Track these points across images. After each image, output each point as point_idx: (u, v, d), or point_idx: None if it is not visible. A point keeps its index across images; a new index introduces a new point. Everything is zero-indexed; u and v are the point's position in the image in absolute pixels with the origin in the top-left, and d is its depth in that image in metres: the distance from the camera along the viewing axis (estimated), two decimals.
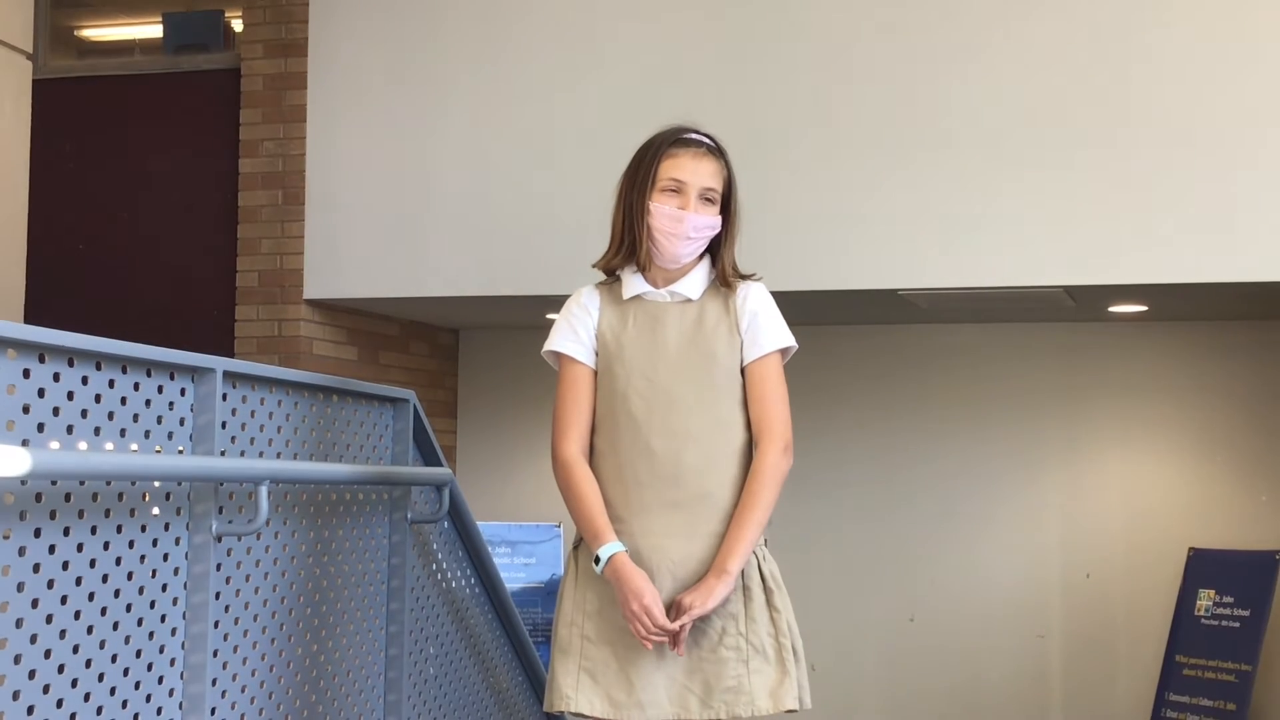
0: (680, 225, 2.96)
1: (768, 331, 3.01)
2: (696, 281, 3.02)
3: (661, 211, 2.96)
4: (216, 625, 3.10)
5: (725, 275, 3.02)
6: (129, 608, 2.85)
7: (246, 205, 6.63)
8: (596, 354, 3.02)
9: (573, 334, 3.03)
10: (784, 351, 3.04)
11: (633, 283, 3.03)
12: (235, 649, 3.19)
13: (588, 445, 3.00)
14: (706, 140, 3.03)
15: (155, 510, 2.94)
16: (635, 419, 2.94)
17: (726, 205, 3.03)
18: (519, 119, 6.27)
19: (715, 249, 3.05)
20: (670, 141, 3.00)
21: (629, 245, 3.00)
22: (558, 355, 3.05)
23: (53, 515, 2.64)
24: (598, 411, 3.00)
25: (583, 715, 2.94)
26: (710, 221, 3.00)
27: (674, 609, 2.86)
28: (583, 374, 3.02)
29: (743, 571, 2.92)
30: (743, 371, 2.99)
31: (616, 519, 2.93)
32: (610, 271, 3.08)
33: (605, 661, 2.91)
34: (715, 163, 3.01)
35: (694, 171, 2.97)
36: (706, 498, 2.93)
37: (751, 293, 3.03)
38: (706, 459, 2.94)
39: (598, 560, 2.89)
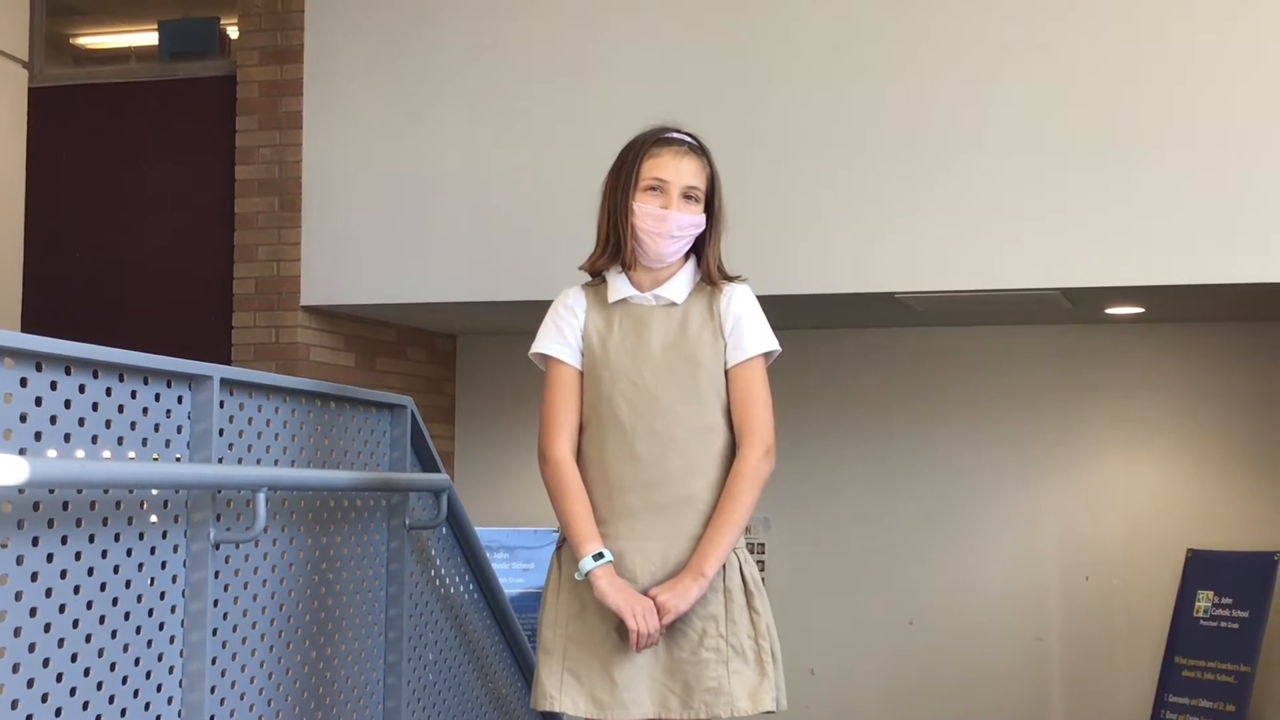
0: (664, 224, 2.97)
1: (751, 335, 3.01)
2: (681, 284, 3.03)
3: (645, 211, 2.97)
4: (215, 633, 3.09)
5: (711, 274, 3.03)
6: (127, 616, 2.85)
7: (243, 212, 6.63)
8: (582, 355, 3.03)
9: (559, 336, 3.05)
10: (767, 355, 3.04)
11: (618, 285, 3.04)
12: (234, 656, 3.19)
13: (576, 446, 3.02)
14: (688, 139, 3.04)
15: (153, 518, 2.94)
16: (620, 423, 2.96)
17: (710, 204, 3.04)
18: (516, 124, 6.27)
19: (700, 248, 3.06)
20: (652, 141, 3.02)
21: (614, 246, 3.02)
22: (545, 357, 3.06)
23: (50, 524, 2.63)
24: (584, 413, 3.02)
25: (567, 714, 2.98)
26: (694, 220, 3.00)
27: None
28: (570, 375, 3.03)
29: (724, 574, 2.94)
30: (726, 374, 3.00)
31: (599, 521, 2.95)
32: (596, 273, 3.09)
33: (588, 662, 2.93)
34: (697, 161, 3.02)
35: (676, 170, 2.98)
36: (689, 501, 2.94)
37: (736, 295, 3.03)
38: (690, 463, 2.95)
39: (598, 557, 2.90)
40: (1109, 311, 6.53)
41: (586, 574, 2.90)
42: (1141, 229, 5.54)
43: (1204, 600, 6.54)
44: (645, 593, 2.90)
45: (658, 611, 2.87)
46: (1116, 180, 5.58)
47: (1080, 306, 6.29)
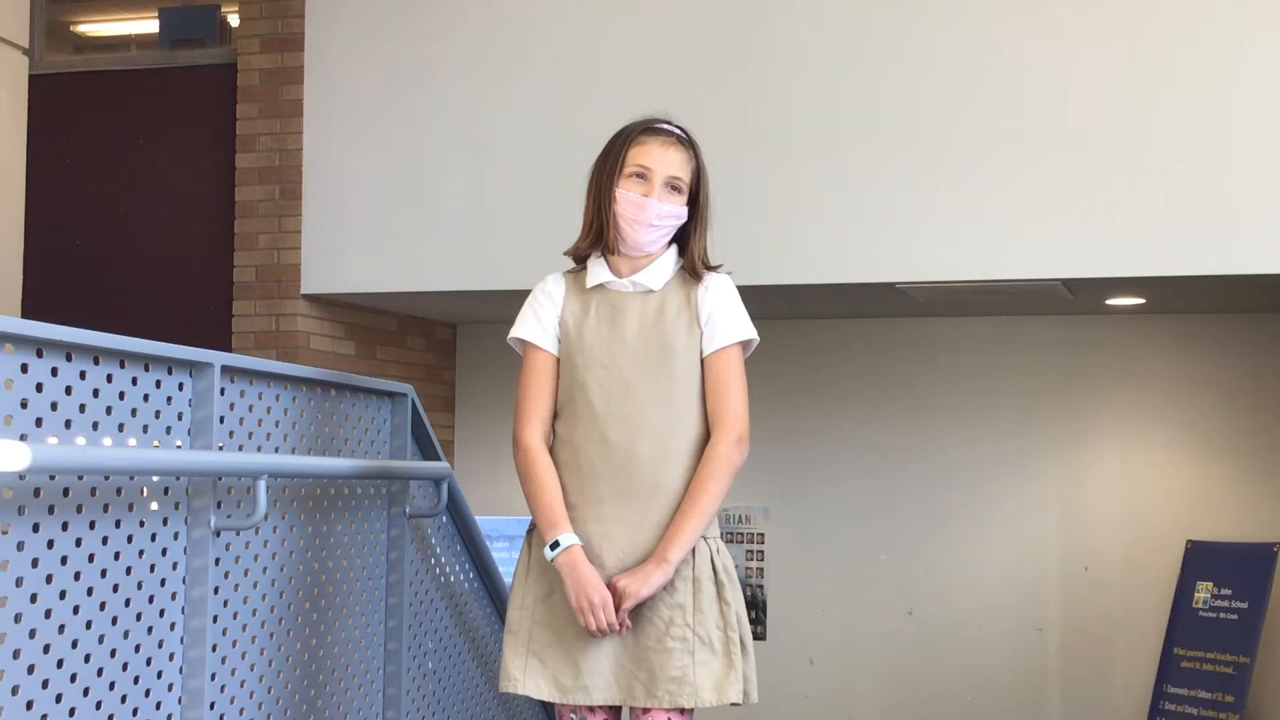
0: (643, 212, 2.97)
1: (727, 324, 3.00)
2: (660, 272, 3.02)
3: (625, 198, 2.97)
4: (215, 620, 3.10)
5: (693, 266, 3.02)
6: (128, 603, 2.85)
7: (243, 200, 6.62)
8: (559, 341, 3.04)
9: (536, 321, 3.05)
10: (745, 345, 3.03)
11: (597, 271, 3.04)
12: (234, 644, 3.19)
13: (549, 432, 3.03)
14: (676, 130, 3.04)
15: (153, 505, 2.94)
16: (593, 408, 2.96)
17: (696, 197, 3.04)
18: (516, 112, 6.26)
19: (684, 239, 3.05)
20: (640, 129, 3.02)
21: (597, 231, 3.02)
22: (522, 342, 3.07)
23: (51, 510, 2.63)
24: (559, 398, 3.03)
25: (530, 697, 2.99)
26: (675, 210, 3.00)
27: (613, 594, 2.89)
28: (545, 361, 3.04)
29: (693, 563, 2.93)
30: (702, 363, 2.99)
31: (569, 505, 2.96)
32: (580, 258, 3.09)
33: (552, 646, 2.94)
34: (683, 153, 3.02)
35: (661, 160, 2.98)
36: (658, 489, 2.94)
37: (714, 285, 3.02)
38: (661, 450, 2.94)
39: (555, 546, 2.91)
40: (1110, 302, 6.53)
41: (552, 560, 2.91)
42: (1142, 220, 5.54)
43: (1203, 591, 6.55)
44: (610, 579, 2.89)
45: (618, 597, 2.86)
46: (1117, 171, 5.57)
47: (1081, 297, 6.29)
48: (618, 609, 2.87)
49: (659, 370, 2.97)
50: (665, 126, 3.03)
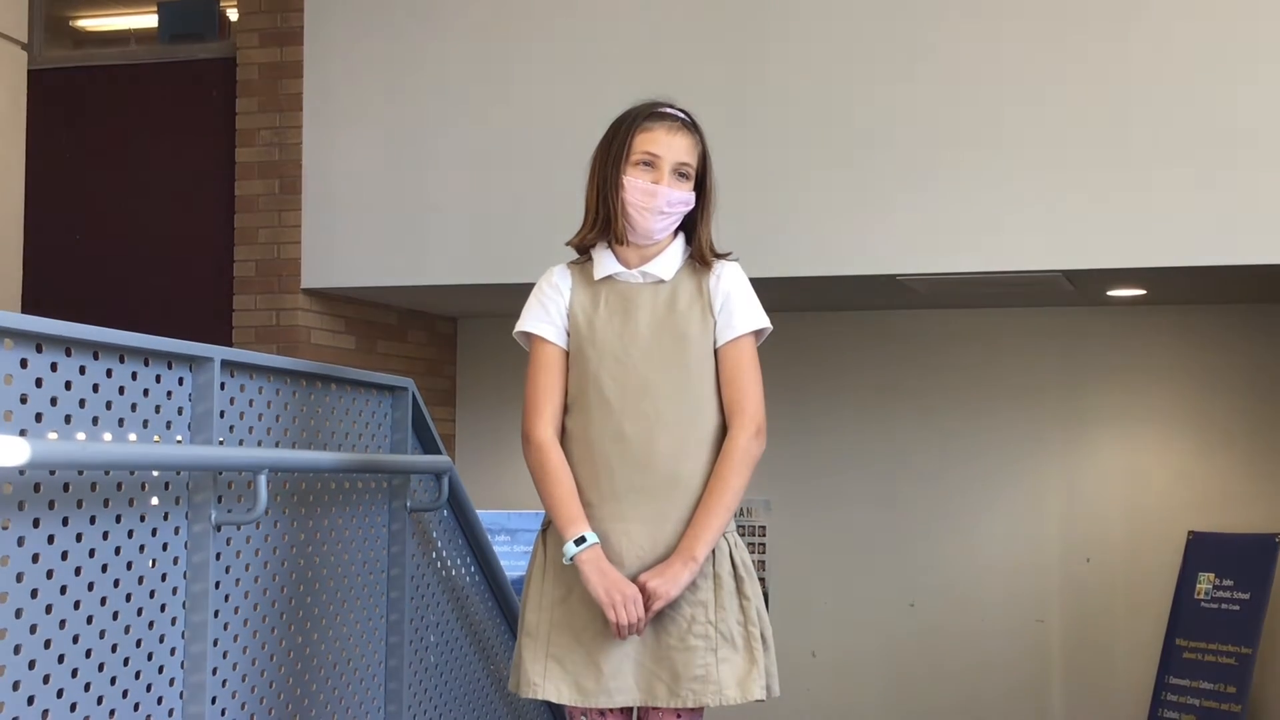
0: (654, 199, 2.90)
1: (741, 313, 2.94)
2: (669, 261, 2.96)
3: (635, 185, 2.91)
4: (216, 614, 3.09)
5: (701, 253, 2.97)
6: (128, 597, 2.85)
7: (243, 195, 6.62)
8: (568, 334, 2.97)
9: (544, 314, 2.98)
10: (758, 333, 2.97)
11: (604, 262, 2.97)
12: (235, 638, 3.19)
13: (560, 427, 2.95)
14: (681, 115, 2.98)
15: (154, 500, 2.94)
16: (607, 402, 2.89)
17: (701, 182, 2.98)
18: (516, 104, 6.26)
19: (690, 227, 2.99)
20: (645, 115, 2.95)
21: (603, 220, 2.95)
22: (529, 336, 3.00)
23: (51, 505, 2.63)
24: (569, 393, 2.95)
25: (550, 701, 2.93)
26: (684, 197, 2.94)
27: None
28: (554, 354, 2.96)
29: (713, 559, 2.87)
30: (716, 353, 2.94)
31: (585, 503, 2.88)
32: (584, 249, 3.02)
33: (573, 648, 2.87)
34: (690, 138, 2.96)
35: (668, 146, 2.92)
36: (677, 483, 2.87)
37: (725, 273, 2.96)
38: (679, 444, 2.88)
39: (578, 542, 2.84)
40: (1111, 294, 6.53)
41: (572, 559, 2.85)
42: (1143, 211, 5.54)
43: (1205, 582, 6.55)
44: (634, 578, 2.83)
45: (648, 598, 2.80)
46: (1118, 162, 5.57)
47: (1082, 289, 6.29)
48: (646, 609, 2.81)
49: (674, 362, 2.91)
50: (670, 111, 2.97)
